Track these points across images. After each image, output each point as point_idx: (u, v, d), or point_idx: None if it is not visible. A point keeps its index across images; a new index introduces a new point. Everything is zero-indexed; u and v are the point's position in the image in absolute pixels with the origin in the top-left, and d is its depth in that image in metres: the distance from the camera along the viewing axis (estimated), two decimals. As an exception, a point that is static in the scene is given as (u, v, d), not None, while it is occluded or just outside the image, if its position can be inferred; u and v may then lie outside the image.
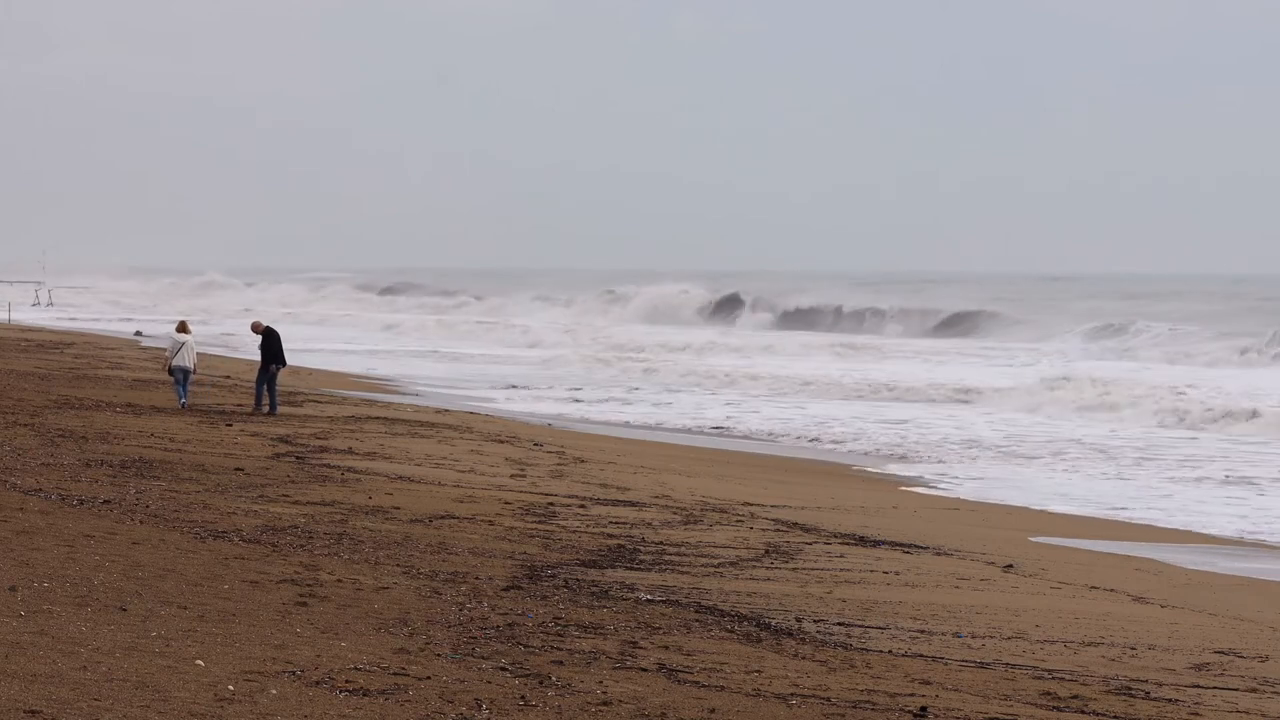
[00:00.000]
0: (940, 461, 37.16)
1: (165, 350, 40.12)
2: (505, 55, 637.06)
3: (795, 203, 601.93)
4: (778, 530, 23.84)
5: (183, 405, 37.65)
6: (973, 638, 16.92)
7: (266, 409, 37.47)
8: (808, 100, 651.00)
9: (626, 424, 44.21)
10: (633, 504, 25.70)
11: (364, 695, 12.30)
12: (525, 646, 14.62)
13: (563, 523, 23.23)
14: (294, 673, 12.78)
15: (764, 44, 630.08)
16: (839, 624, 17.16)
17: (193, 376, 39.00)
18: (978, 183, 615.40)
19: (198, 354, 39.73)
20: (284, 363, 38.69)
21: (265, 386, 38.05)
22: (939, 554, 22.61)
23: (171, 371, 38.71)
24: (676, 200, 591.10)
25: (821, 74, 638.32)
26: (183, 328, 39.91)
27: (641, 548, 21.36)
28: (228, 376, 47.95)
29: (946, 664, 15.46)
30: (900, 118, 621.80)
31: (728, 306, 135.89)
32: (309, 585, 16.76)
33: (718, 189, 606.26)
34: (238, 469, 26.55)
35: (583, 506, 25.08)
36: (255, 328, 40.00)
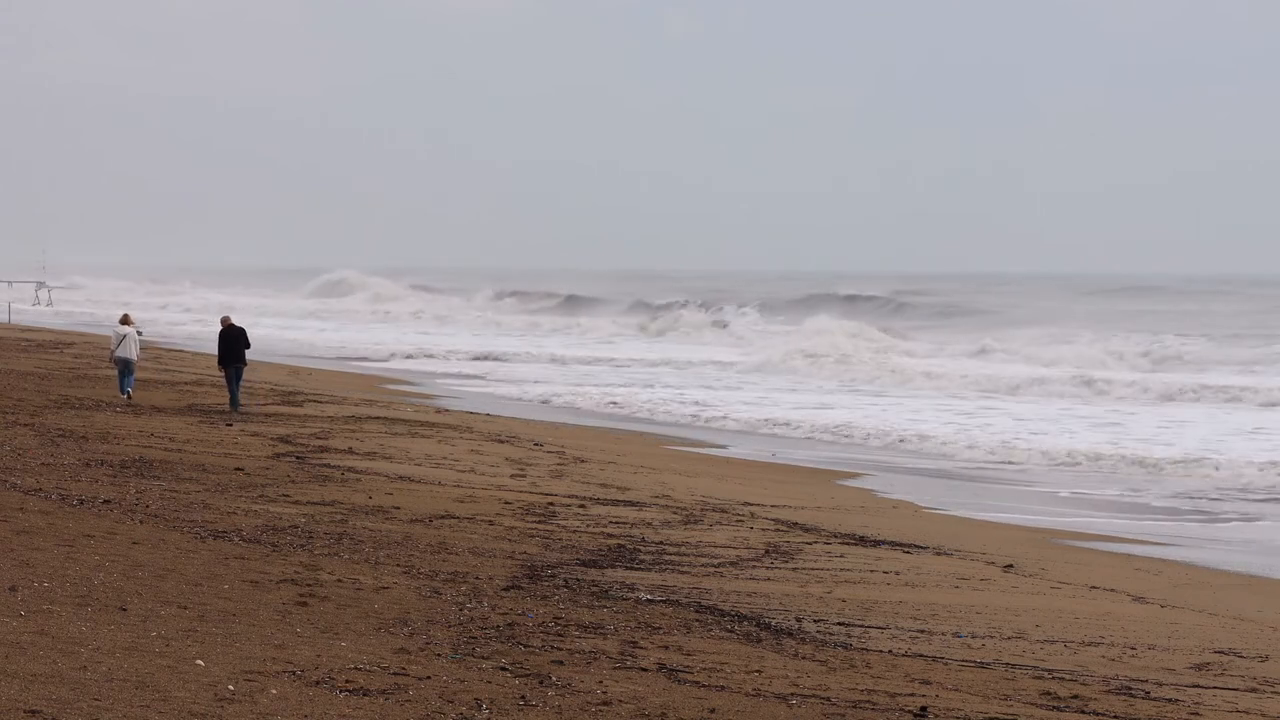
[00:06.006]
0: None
1: (110, 342, 40.08)
2: (501, 53, 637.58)
3: (793, 203, 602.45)
4: (778, 530, 23.84)
5: (126, 397, 37.67)
6: (973, 638, 16.92)
7: (227, 405, 37.38)
8: (803, 99, 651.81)
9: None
10: (633, 504, 25.69)
11: (364, 695, 12.30)
12: (525, 646, 14.62)
13: (563, 523, 23.22)
14: (294, 673, 12.78)
15: (759, 43, 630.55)
16: (839, 624, 17.16)
17: (135, 368, 38.95)
18: (975, 182, 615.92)
19: (140, 345, 39.83)
20: (238, 362, 37.87)
21: (228, 383, 37.99)
22: (939, 554, 22.61)
23: (115, 363, 38.78)
24: (675, 199, 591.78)
25: (817, 73, 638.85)
26: (126, 320, 39.96)
27: (641, 548, 21.36)
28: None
29: (946, 664, 15.46)
30: (895, 117, 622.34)
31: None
32: (309, 585, 16.76)
33: (716, 188, 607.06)
34: (238, 469, 26.54)
35: (583, 506, 25.07)
36: (223, 324, 39.66)
